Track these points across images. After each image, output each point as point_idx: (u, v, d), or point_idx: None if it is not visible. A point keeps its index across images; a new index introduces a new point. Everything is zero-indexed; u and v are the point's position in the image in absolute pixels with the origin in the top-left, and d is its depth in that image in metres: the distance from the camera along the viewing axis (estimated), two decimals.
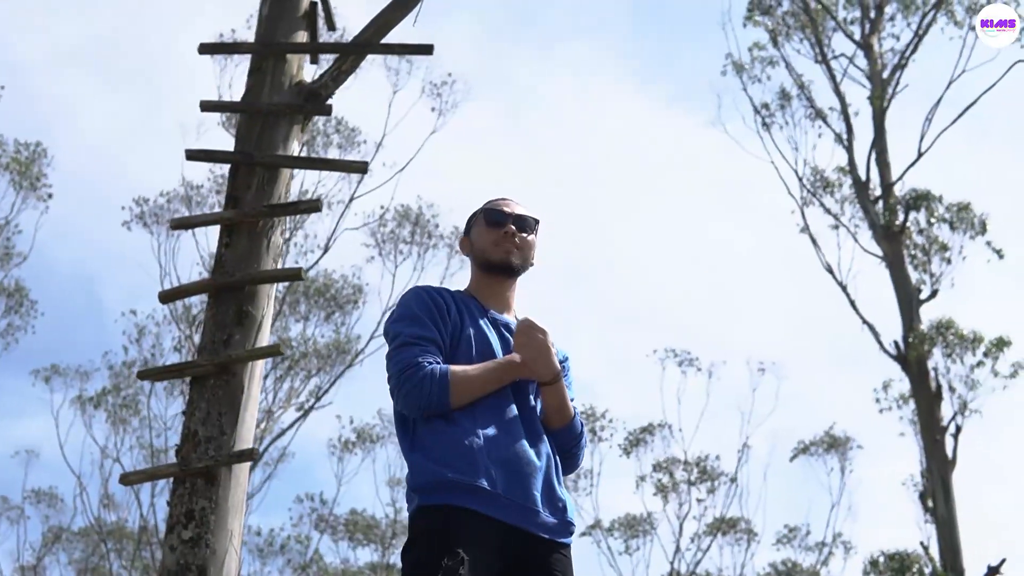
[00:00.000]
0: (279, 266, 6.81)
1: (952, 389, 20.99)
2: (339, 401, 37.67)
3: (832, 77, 24.37)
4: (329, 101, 7.30)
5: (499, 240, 3.95)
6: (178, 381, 26.63)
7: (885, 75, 23.96)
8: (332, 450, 35.67)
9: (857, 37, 24.63)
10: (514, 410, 3.74)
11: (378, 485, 40.62)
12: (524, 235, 3.98)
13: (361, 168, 7.23)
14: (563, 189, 45.06)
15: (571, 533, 3.75)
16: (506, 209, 4.01)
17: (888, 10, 24.66)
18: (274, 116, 7.05)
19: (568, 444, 3.89)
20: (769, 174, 35.50)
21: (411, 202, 33.49)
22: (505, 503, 3.58)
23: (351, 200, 29.53)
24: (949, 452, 20.32)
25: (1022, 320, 41.55)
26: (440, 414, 3.64)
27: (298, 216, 20.64)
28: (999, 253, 22.14)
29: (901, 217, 22.57)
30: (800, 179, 24.29)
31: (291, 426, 30.15)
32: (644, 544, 32.69)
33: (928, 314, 21.81)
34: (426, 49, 7.36)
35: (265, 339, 6.56)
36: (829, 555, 31.50)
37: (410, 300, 3.86)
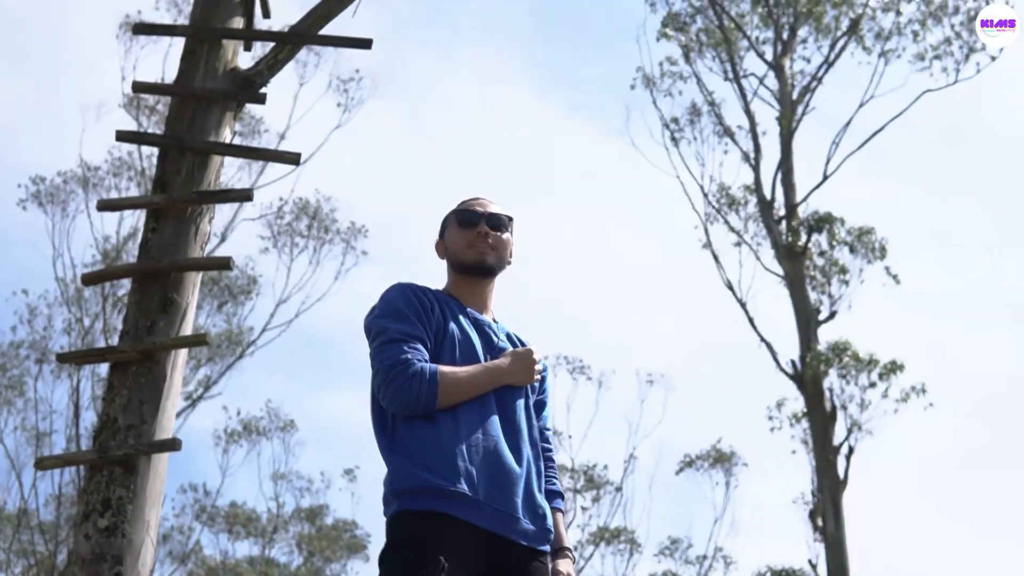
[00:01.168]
0: (205, 254, 6.70)
1: (845, 409, 21.26)
2: (227, 392, 37.24)
3: (743, 96, 24.61)
4: (263, 90, 7.19)
5: (472, 241, 3.92)
6: (67, 366, 26.27)
7: (795, 96, 24.21)
8: (217, 441, 35.28)
9: (769, 57, 24.88)
10: (496, 416, 3.69)
11: (262, 479, 40.37)
12: (498, 234, 3.94)
13: (294, 160, 7.11)
14: (461, 192, 45.00)
15: (549, 541, 3.72)
16: (479, 209, 3.97)
17: (801, 32, 24.93)
18: (206, 102, 6.93)
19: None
20: (675, 188, 35.64)
21: (310, 196, 33.36)
22: (486, 510, 3.54)
23: (251, 190, 29.25)
24: (841, 472, 20.58)
25: (914, 345, 42.19)
26: (423, 415, 3.58)
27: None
28: (896, 278, 22.49)
29: (804, 238, 22.83)
30: (705, 195, 24.49)
31: (178, 415, 29.77)
32: None
33: (826, 335, 22.10)
34: (364, 43, 7.28)
35: (189, 328, 6.45)
36: (709, 569, 31.78)
37: (395, 296, 3.79)
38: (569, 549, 3.89)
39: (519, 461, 3.67)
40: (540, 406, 3.94)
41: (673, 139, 24.97)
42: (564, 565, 3.80)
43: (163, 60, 28.42)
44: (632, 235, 44.23)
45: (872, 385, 21.45)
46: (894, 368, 21.56)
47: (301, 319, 32.56)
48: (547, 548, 3.70)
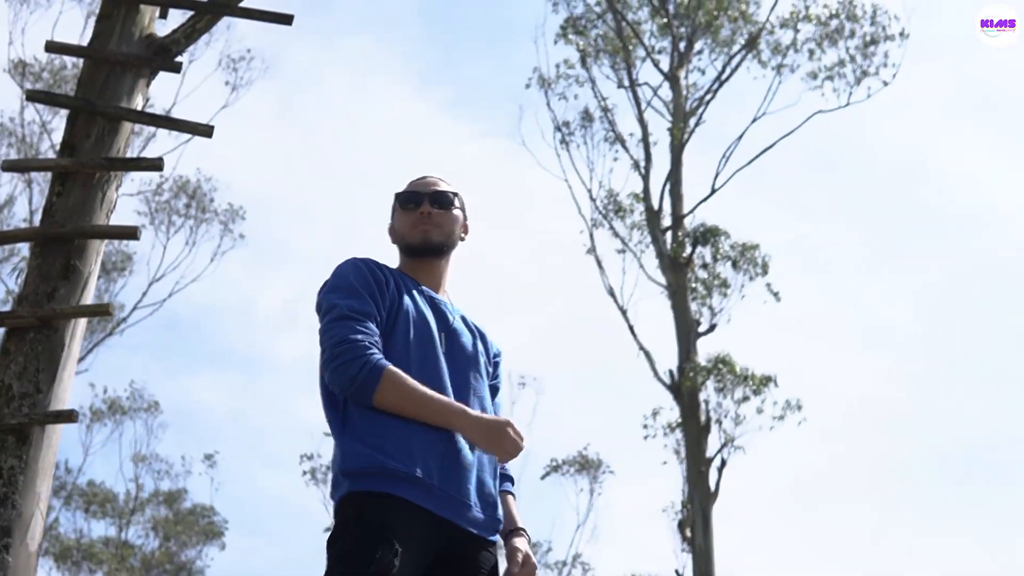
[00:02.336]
0: (110, 223, 6.50)
1: (720, 424, 21.41)
2: (94, 369, 36.64)
3: (637, 104, 24.65)
4: (179, 59, 7.01)
5: (417, 221, 3.80)
6: None
7: (688, 108, 24.34)
8: (81, 419, 34.66)
9: (665, 68, 24.97)
10: (456, 393, 3.59)
11: (122, 460, 39.78)
12: (444, 211, 3.83)
13: (207, 132, 6.91)
14: (336, 183, 44.80)
15: (499, 531, 3.62)
16: (420, 189, 3.86)
17: (698, 45, 25.07)
18: (120, 67, 6.72)
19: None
20: (563, 192, 35.71)
21: (190, 174, 32.92)
22: (439, 495, 3.43)
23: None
24: (712, 484, 20.72)
25: (790, 363, 42.76)
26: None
27: None
28: (776, 296, 22.70)
29: (688, 250, 22.95)
30: (593, 200, 24.49)
31: None
32: None
33: (705, 347, 22.24)
34: (285, 18, 7.11)
35: (90, 297, 6.25)
36: (568, 575, 31.89)
37: (347, 271, 3.65)
38: (523, 529, 3.76)
39: (472, 448, 3.56)
40: (493, 391, 3.84)
41: (564, 142, 24.96)
42: (521, 543, 3.67)
43: (52, 28, 27.81)
44: (516, 235, 44.26)
45: (746, 399, 21.63)
46: (766, 381, 21.73)
47: (170, 300, 32.11)
48: (496, 538, 3.61)
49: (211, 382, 51.28)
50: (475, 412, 3.51)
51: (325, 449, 40.62)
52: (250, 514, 46.64)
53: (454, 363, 3.66)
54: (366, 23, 49.57)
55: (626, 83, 24.88)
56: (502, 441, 3.44)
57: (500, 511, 3.62)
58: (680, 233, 23.17)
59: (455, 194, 3.90)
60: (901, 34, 23.99)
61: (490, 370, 3.83)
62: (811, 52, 24.51)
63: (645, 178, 24.13)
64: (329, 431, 3.56)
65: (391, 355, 3.51)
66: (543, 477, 31.58)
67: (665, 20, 25.04)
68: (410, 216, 3.81)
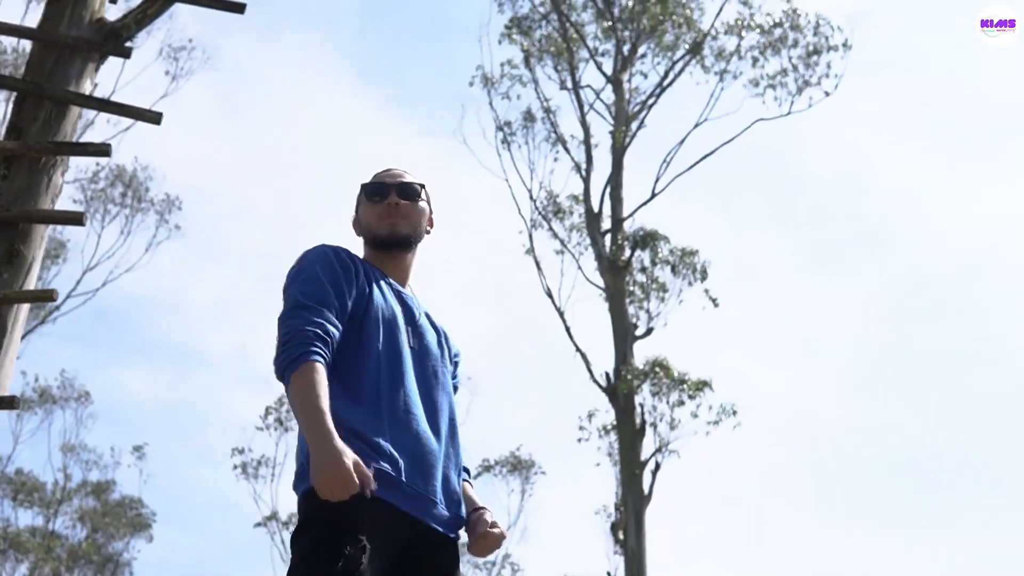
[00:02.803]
0: (54, 208, 6.42)
1: (655, 427, 21.45)
2: (26, 357, 36.24)
3: (580, 106, 24.65)
4: (129, 44, 6.93)
5: (383, 213, 3.73)
6: None
7: (630, 112, 24.37)
8: None
9: (608, 71, 25.00)
10: (419, 394, 3.53)
11: (51, 449, 39.36)
12: (410, 203, 3.76)
13: (155, 119, 6.85)
14: (273, 177, 44.61)
15: (461, 527, 3.57)
16: (387, 180, 3.79)
17: (642, 49, 25.11)
18: (69, 50, 6.65)
19: None
20: (503, 192, 35.66)
21: (128, 163, 32.64)
22: (407, 491, 3.36)
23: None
24: (646, 488, 20.75)
25: (724, 368, 42.95)
26: (345, 387, 3.39)
27: None
28: (715, 302, 22.76)
29: (627, 253, 22.96)
30: (533, 201, 24.47)
31: None
32: None
33: (642, 351, 22.26)
34: (237, 7, 7.05)
35: (33, 283, 6.17)
36: (498, 575, 31.91)
37: (314, 259, 3.55)
38: (485, 507, 3.69)
39: (439, 443, 3.51)
40: (453, 389, 3.80)
41: (505, 142, 24.91)
42: (487, 515, 3.64)
43: None
44: (453, 234, 44.15)
45: (681, 403, 21.69)
46: (701, 386, 21.79)
47: (103, 289, 31.83)
48: (458, 536, 3.56)
49: (141, 374, 50.88)
50: (330, 446, 3.19)
51: (257, 443, 40.51)
52: (178, 507, 46.33)
53: (420, 358, 3.60)
54: (307, 18, 49.35)
55: (569, 85, 24.88)
56: (331, 480, 3.16)
57: (463, 509, 3.58)
58: (619, 236, 23.18)
59: (422, 185, 3.84)
60: (844, 45, 24.15)
61: (450, 368, 3.79)
62: (754, 60, 24.62)
63: (586, 180, 24.14)
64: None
65: (360, 347, 3.46)
66: (475, 477, 31.39)
67: (609, 23, 25.06)
68: (376, 208, 3.75)
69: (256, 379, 49.48)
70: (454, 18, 48.55)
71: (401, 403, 3.45)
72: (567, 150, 24.53)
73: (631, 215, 23.56)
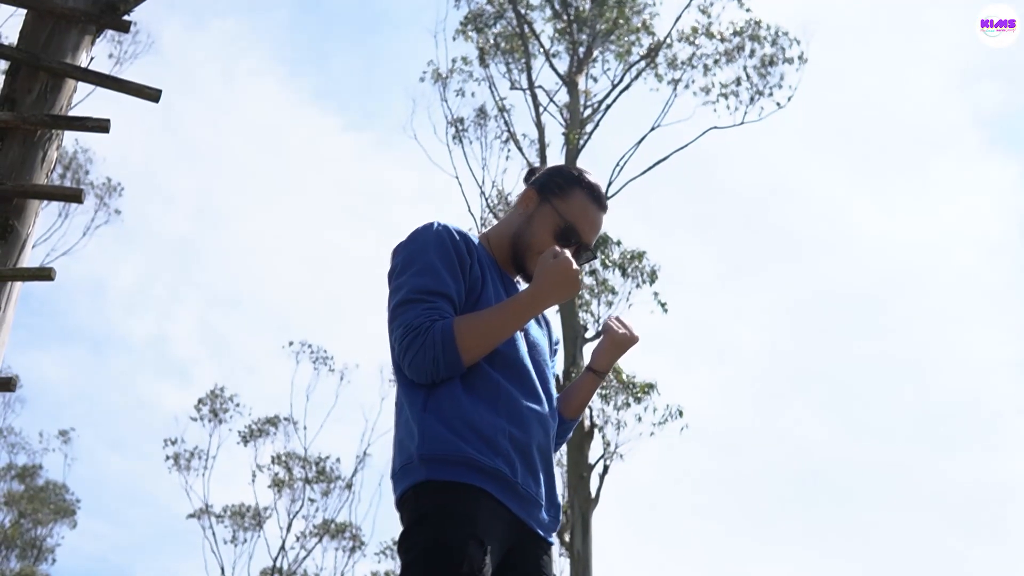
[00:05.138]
0: (47, 183, 6.19)
1: (602, 430, 21.35)
2: None
3: (535, 106, 24.50)
4: (127, 17, 6.71)
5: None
6: None
7: (585, 114, 24.27)
8: None
9: (563, 72, 24.87)
10: (533, 394, 3.32)
11: None
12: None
13: (154, 96, 6.62)
14: (196, 165, 44.22)
15: (556, 531, 3.39)
16: (584, 237, 3.46)
17: (598, 51, 25.01)
18: (66, 21, 6.42)
19: (560, 437, 3.58)
20: (453, 188, 35.53)
21: (68, 144, 32.18)
22: (520, 492, 3.18)
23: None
24: (593, 491, 20.64)
25: (673, 373, 43.00)
26: (460, 379, 3.18)
27: None
28: (664, 306, 22.67)
29: None
30: (485, 198, 24.30)
31: None
32: (251, 536, 32.24)
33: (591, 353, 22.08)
34: None
35: (26, 260, 5.94)
36: None
37: (428, 242, 3.30)
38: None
39: (548, 442, 3.33)
40: None
41: (457, 138, 24.72)
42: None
43: None
44: (398, 231, 43.91)
45: (628, 405, 21.61)
46: (648, 389, 21.73)
47: None
48: (554, 541, 3.38)
49: (59, 359, 50.19)
50: (535, 284, 3.23)
51: (190, 434, 40.01)
52: (95, 496, 45.74)
53: (531, 347, 3.42)
54: (238, 6, 48.87)
55: (522, 84, 24.74)
56: (572, 279, 3.21)
57: (561, 514, 3.41)
58: None
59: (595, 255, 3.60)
60: (800, 57, 24.16)
61: (553, 362, 3.62)
62: (706, 68, 24.57)
63: None
64: (404, 408, 3.26)
65: None
66: None
67: (565, 24, 24.95)
68: (551, 245, 3.42)
69: (175, 368, 48.92)
70: (386, 12, 48.27)
71: (518, 399, 3.25)
72: (520, 149, 24.39)
73: None
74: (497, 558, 3.11)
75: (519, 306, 3.23)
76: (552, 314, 22.87)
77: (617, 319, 3.71)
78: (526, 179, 3.63)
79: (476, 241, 3.45)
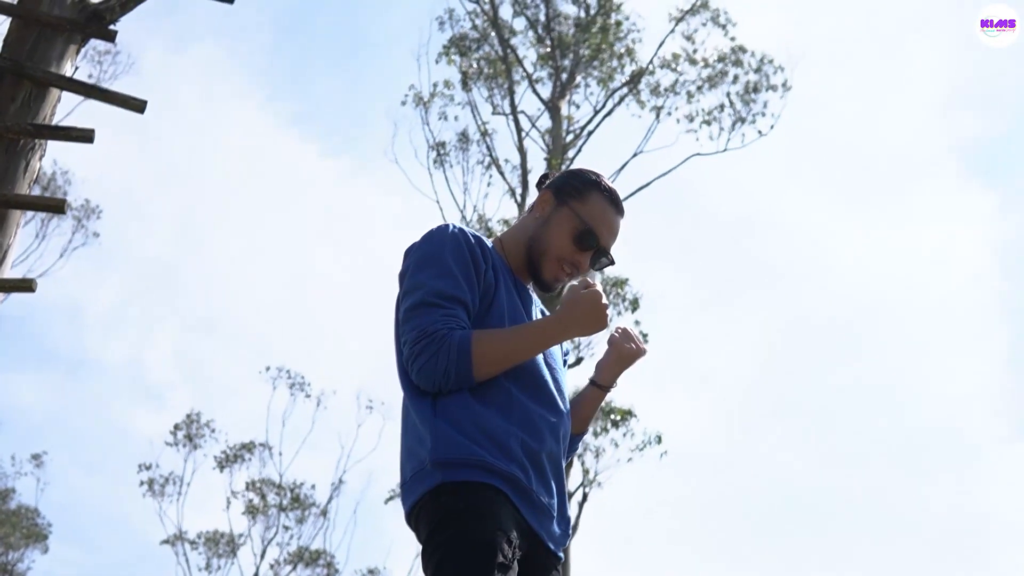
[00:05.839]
0: (31, 192, 6.07)
1: (581, 457, 21.20)
2: None
3: (518, 131, 24.35)
4: (113, 27, 6.59)
5: (567, 264, 3.32)
6: None
7: (567, 140, 24.16)
8: None
9: (546, 97, 24.76)
10: (548, 403, 3.18)
11: None
12: (585, 272, 3.37)
13: (139, 107, 6.50)
14: (175, 188, 44.08)
15: (566, 546, 3.24)
16: (603, 241, 3.35)
17: (580, 77, 24.91)
18: (51, 29, 6.31)
19: (569, 452, 3.44)
20: (434, 213, 35.41)
21: (47, 165, 31.99)
22: (535, 501, 3.04)
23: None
24: (572, 519, 20.44)
25: (652, 399, 42.90)
26: (473, 388, 3.04)
27: None
28: (645, 337, 22.55)
29: None
30: (466, 223, 24.14)
31: None
32: (225, 563, 31.99)
33: (572, 380, 22.02)
34: None
35: (7, 272, 5.81)
36: None
37: (444, 244, 3.16)
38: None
39: (560, 452, 3.20)
40: None
41: (439, 163, 24.58)
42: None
43: None
44: (378, 255, 43.79)
45: (606, 431, 21.48)
46: (627, 415, 21.59)
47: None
48: (561, 556, 3.22)
49: (34, 381, 49.82)
50: (561, 311, 3.15)
51: (165, 460, 39.71)
52: (67, 520, 45.32)
53: (546, 354, 3.29)
54: (219, 30, 48.76)
55: (505, 109, 24.62)
56: (601, 313, 3.14)
57: (570, 529, 3.26)
58: None
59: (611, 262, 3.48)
60: (784, 85, 24.10)
61: (566, 371, 3.49)
62: (689, 95, 24.49)
63: (520, 206, 23.86)
64: (411, 413, 3.12)
65: None
66: (386, 501, 31.21)
67: (548, 50, 24.86)
68: (572, 253, 3.33)
69: (151, 393, 48.62)
70: (368, 37, 48.16)
71: (532, 407, 3.12)
72: (502, 174, 24.25)
73: None
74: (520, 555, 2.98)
75: (542, 334, 3.13)
76: None
77: (623, 331, 3.57)
78: (539, 183, 3.51)
79: (490, 246, 3.32)
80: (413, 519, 3.05)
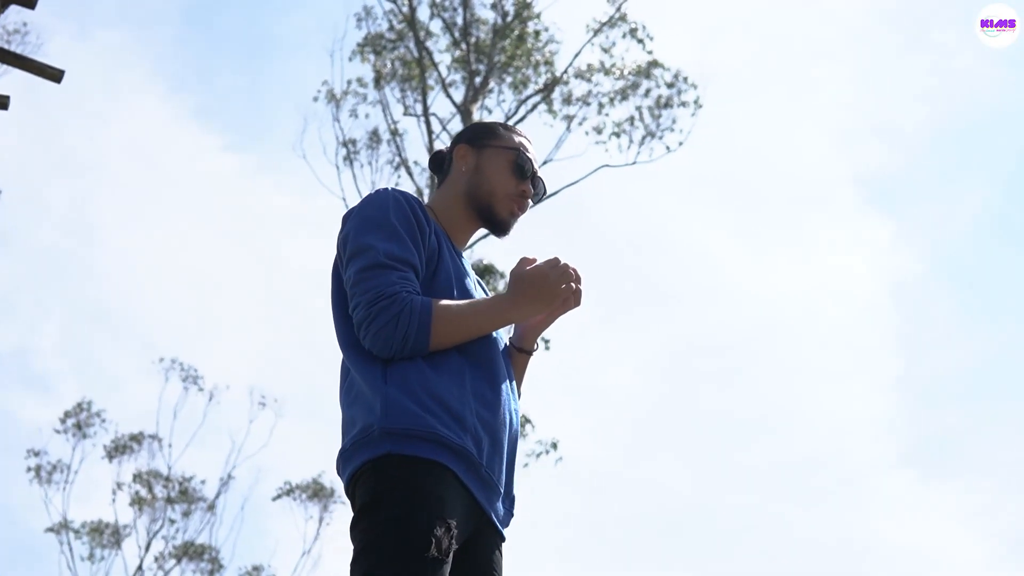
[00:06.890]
0: None
1: None
2: None
3: (429, 133, 24.27)
4: None
5: (516, 197, 3.26)
6: None
7: None
8: None
9: (459, 100, 24.68)
10: (497, 375, 3.06)
11: None
12: (530, 201, 3.32)
13: (56, 76, 6.38)
14: (67, 178, 43.48)
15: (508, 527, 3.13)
16: (534, 163, 3.32)
17: (494, 82, 24.86)
18: None
19: None
20: (340, 211, 35.25)
21: None
22: (484, 476, 2.94)
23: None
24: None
25: (545, 411, 42.86)
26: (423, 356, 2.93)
27: None
28: (547, 343, 22.62)
29: None
30: None
31: None
32: (109, 554, 31.61)
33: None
34: None
35: None
36: None
37: (387, 207, 3.03)
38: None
39: (509, 428, 3.07)
40: None
41: (347, 160, 24.43)
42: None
43: None
44: (279, 252, 43.43)
45: (537, 457, 21.78)
46: (524, 422, 21.69)
47: None
48: (506, 535, 3.10)
49: None
50: (516, 289, 3.06)
51: (53, 447, 39.07)
52: None
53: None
54: (126, 19, 47.98)
55: (417, 111, 24.53)
56: (559, 291, 3.07)
57: (514, 508, 3.14)
58: None
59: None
60: (695, 102, 24.18)
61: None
62: (600, 106, 24.56)
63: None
64: (356, 381, 2.99)
65: None
66: (274, 499, 31.18)
67: (463, 53, 24.79)
68: (515, 185, 3.28)
69: (39, 382, 47.80)
70: (280, 32, 47.70)
71: (484, 378, 3.02)
72: (411, 175, 24.17)
73: (470, 246, 23.28)
74: (458, 545, 2.88)
75: (497, 311, 3.05)
76: None
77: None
78: (430, 164, 3.48)
79: (424, 204, 3.24)
80: (351, 487, 2.94)
